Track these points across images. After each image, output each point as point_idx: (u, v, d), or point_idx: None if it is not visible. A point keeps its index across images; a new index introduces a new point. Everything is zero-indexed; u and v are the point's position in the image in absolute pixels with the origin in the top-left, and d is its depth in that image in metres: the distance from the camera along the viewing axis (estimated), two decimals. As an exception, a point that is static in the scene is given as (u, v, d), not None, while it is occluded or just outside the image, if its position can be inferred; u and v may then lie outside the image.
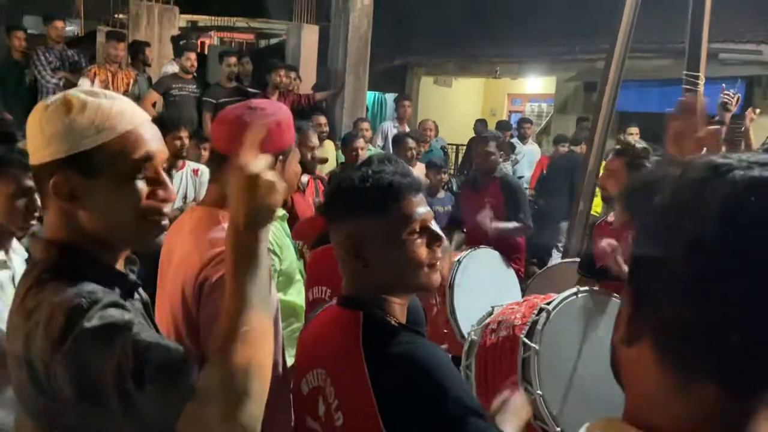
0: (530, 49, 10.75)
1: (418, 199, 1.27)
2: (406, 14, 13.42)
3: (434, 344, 1.26)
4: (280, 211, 1.99)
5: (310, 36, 7.65)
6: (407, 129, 7.05)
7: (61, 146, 1.03)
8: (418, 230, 1.25)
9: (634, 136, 6.62)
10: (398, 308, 1.29)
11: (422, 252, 1.25)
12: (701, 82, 4.99)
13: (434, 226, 1.29)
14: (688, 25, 5.16)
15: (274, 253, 1.91)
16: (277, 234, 2.02)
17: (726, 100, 2.93)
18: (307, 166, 3.52)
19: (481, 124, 8.71)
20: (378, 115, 12.91)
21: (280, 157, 1.59)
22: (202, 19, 13.97)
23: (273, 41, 13.94)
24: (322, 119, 5.92)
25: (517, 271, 3.94)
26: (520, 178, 7.64)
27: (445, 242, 1.30)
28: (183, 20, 11.28)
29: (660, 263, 0.58)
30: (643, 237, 0.61)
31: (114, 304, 0.98)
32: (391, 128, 7.15)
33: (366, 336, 1.22)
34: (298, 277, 2.09)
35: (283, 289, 1.99)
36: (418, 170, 5.55)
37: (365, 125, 6.08)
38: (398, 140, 5.41)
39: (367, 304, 1.26)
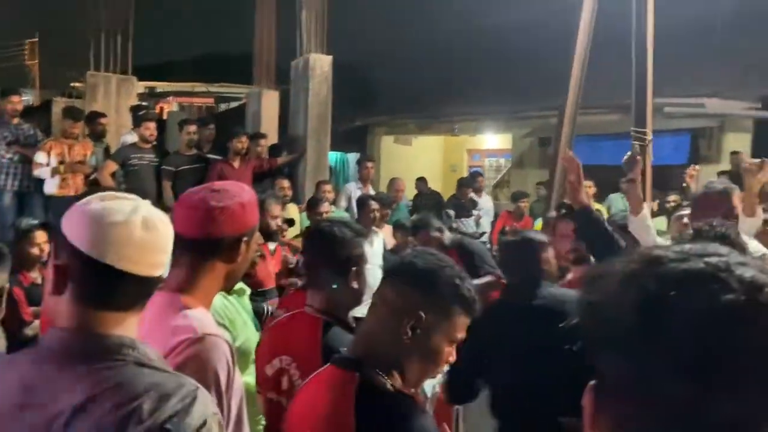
0: (487, 107, 11.11)
1: (466, 322, 1.40)
2: (366, 76, 13.80)
3: (427, 415, 1.31)
4: (238, 286, 1.95)
5: (270, 101, 7.74)
6: (371, 190, 7.10)
7: None
8: (454, 341, 1.38)
9: (588, 189, 6.83)
10: (398, 378, 1.33)
11: (447, 359, 1.38)
12: (648, 137, 5.21)
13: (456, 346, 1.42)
14: (633, 82, 5.42)
15: (225, 328, 1.86)
16: (230, 309, 1.97)
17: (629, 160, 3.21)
18: (271, 235, 3.50)
19: (421, 182, 8.81)
20: (341, 174, 13.02)
21: (245, 238, 1.57)
22: (161, 85, 14.07)
23: (233, 104, 14.09)
24: (285, 183, 5.92)
25: None
26: (482, 233, 7.73)
27: None
28: (141, 87, 11.35)
29: (599, 358, 0.60)
30: (588, 333, 0.63)
31: None
32: (354, 189, 7.19)
33: (360, 401, 1.24)
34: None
35: (241, 370, 1.93)
36: (386, 232, 5.57)
37: (328, 188, 6.10)
38: (361, 203, 5.44)
39: (368, 366, 1.30)
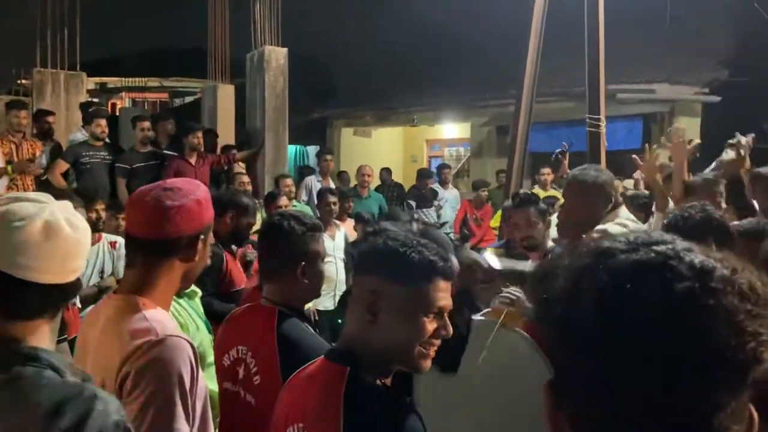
0: (445, 97, 11.16)
1: (446, 287, 1.33)
2: (324, 69, 13.69)
3: (415, 414, 1.29)
4: (190, 287, 1.91)
5: (226, 95, 7.61)
6: (331, 183, 7.07)
7: None
8: (434, 314, 1.31)
9: (546, 176, 6.94)
10: (387, 368, 1.33)
11: (427, 331, 1.31)
12: (602, 123, 5.32)
13: (446, 318, 1.35)
14: (586, 70, 5.52)
15: None
16: (181, 313, 1.94)
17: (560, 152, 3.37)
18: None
19: (386, 172, 8.87)
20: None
21: (202, 236, 1.54)
22: (112, 81, 13.67)
23: (188, 99, 13.79)
24: (245, 178, 5.84)
25: None
26: (444, 223, 7.80)
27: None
28: (91, 83, 10.99)
29: (558, 355, 0.61)
30: (545, 330, 0.63)
31: None
32: (314, 182, 7.15)
33: (348, 395, 1.23)
34: (211, 359, 2.00)
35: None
36: (347, 226, 5.55)
37: (288, 182, 6.05)
38: (320, 196, 5.43)
39: (357, 360, 1.29)
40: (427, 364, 1.34)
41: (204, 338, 1.96)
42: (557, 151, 3.62)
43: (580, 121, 5.72)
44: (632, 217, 2.75)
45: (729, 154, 3.68)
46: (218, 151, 6.56)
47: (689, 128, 8.91)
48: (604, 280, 0.58)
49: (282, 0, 7.06)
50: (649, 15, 9.40)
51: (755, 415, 0.59)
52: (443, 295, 1.32)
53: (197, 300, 2.02)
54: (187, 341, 1.46)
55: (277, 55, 6.80)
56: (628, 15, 8.13)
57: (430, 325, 1.30)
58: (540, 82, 6.21)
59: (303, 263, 1.91)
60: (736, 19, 9.25)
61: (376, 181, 8.38)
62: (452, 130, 13.26)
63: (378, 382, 1.30)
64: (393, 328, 1.29)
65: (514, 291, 2.04)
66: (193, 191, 1.54)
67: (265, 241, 2.03)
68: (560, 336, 0.60)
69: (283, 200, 5.09)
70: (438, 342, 1.33)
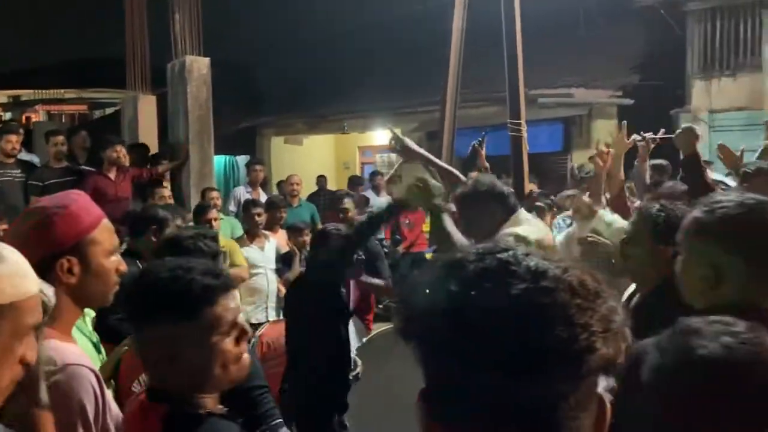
0: (374, 103, 11.23)
1: (230, 298, 1.27)
2: (250, 78, 13.49)
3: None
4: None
5: (147, 106, 7.37)
6: (261, 193, 6.97)
7: None
8: (227, 330, 1.26)
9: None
10: (210, 401, 1.27)
11: (230, 351, 1.26)
12: (523, 127, 5.50)
13: (242, 320, 1.29)
14: (506, 76, 5.69)
15: None
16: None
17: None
18: None
19: (322, 180, 8.89)
20: (231, 178, 12.68)
21: (67, 256, 1.44)
22: (26, 93, 13.02)
23: (109, 110, 13.28)
24: (166, 192, 5.68)
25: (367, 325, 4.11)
26: (376, 229, 7.83)
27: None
28: (3, 96, 10.44)
29: (425, 366, 0.64)
30: (411, 344, 0.66)
31: None
32: (243, 193, 7.03)
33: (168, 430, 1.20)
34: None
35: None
36: (280, 237, 5.49)
37: (214, 194, 5.93)
38: (244, 208, 5.38)
39: (175, 397, 1.23)
40: (244, 367, 1.28)
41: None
42: (473, 143, 3.76)
43: (504, 125, 5.88)
44: (530, 216, 2.86)
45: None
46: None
47: (606, 130, 9.31)
48: (455, 290, 0.61)
49: (203, 7, 6.92)
50: (564, 22, 9.80)
51: (607, 402, 0.63)
52: (230, 308, 1.25)
53: (87, 321, 1.93)
54: (91, 369, 1.40)
55: (199, 65, 6.65)
56: (545, 22, 8.45)
57: (229, 344, 1.26)
58: (467, 88, 6.36)
59: None
60: (646, 27, 9.76)
61: (308, 189, 8.33)
62: (384, 136, 13.35)
63: (201, 411, 1.24)
64: (195, 364, 1.23)
65: None
66: (48, 208, 1.46)
67: None
68: (423, 348, 0.63)
69: (213, 213, 5.00)
70: (245, 346, 1.29)
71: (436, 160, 3.21)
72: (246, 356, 1.29)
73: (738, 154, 3.80)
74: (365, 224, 2.98)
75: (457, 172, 3.13)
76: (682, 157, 2.85)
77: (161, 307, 1.24)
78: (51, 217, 1.44)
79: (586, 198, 3.43)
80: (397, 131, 3.16)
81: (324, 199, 8.19)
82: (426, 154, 3.29)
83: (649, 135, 3.70)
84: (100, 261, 1.49)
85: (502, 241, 0.66)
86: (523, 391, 0.58)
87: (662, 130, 3.79)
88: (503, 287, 0.60)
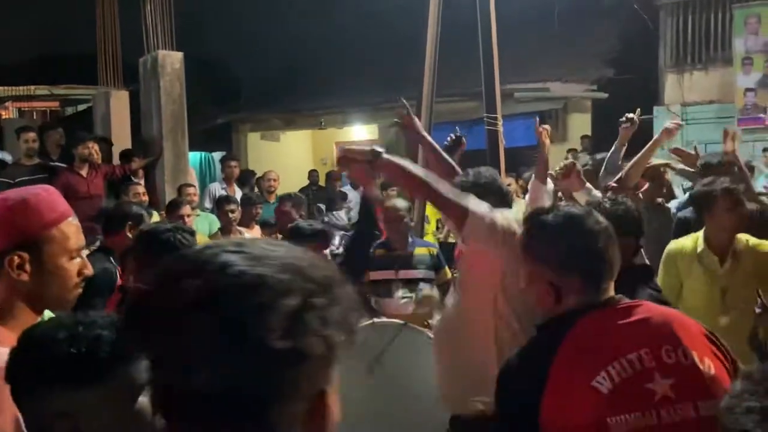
0: (351, 99, 11.18)
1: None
2: (226, 73, 13.35)
3: None
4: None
5: (119, 102, 7.26)
6: (236, 189, 6.91)
7: None
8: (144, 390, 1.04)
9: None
10: None
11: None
12: (500, 121, 5.52)
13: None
14: (482, 71, 5.70)
15: None
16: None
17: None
18: None
19: (315, 174, 8.89)
20: (206, 175, 12.54)
21: (23, 253, 1.35)
22: (-5, 90, 12.70)
23: (81, 107, 13.02)
24: (140, 189, 5.58)
25: None
26: (354, 224, 7.82)
27: None
28: (-29, 93, 10.18)
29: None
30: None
31: None
32: (218, 189, 6.96)
33: None
34: None
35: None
36: (255, 233, 5.44)
37: (191, 190, 5.86)
38: (218, 204, 5.32)
39: None
40: None
41: None
42: (457, 133, 3.75)
43: (480, 120, 5.90)
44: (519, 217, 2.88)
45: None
46: (114, 160, 6.25)
47: (581, 123, 9.41)
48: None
49: (176, 1, 6.82)
50: (539, 17, 9.85)
51: (330, 401, 0.70)
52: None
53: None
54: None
55: (172, 60, 6.56)
56: (520, 17, 8.48)
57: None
58: (443, 81, 6.35)
59: None
60: (620, 21, 9.87)
61: (285, 186, 8.28)
62: (361, 131, 13.32)
63: None
64: None
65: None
66: (7, 200, 1.37)
67: (141, 254, 1.94)
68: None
69: (186, 209, 4.93)
70: None
71: (436, 146, 3.18)
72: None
73: (693, 152, 3.97)
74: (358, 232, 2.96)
75: (452, 161, 3.12)
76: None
77: (68, 377, 0.99)
78: (7, 210, 1.38)
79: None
80: (407, 104, 3.16)
81: (313, 192, 8.21)
82: (428, 137, 3.26)
83: (637, 113, 3.79)
84: (59, 260, 1.39)
85: (226, 242, 0.74)
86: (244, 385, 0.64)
87: (638, 110, 3.88)
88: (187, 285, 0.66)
